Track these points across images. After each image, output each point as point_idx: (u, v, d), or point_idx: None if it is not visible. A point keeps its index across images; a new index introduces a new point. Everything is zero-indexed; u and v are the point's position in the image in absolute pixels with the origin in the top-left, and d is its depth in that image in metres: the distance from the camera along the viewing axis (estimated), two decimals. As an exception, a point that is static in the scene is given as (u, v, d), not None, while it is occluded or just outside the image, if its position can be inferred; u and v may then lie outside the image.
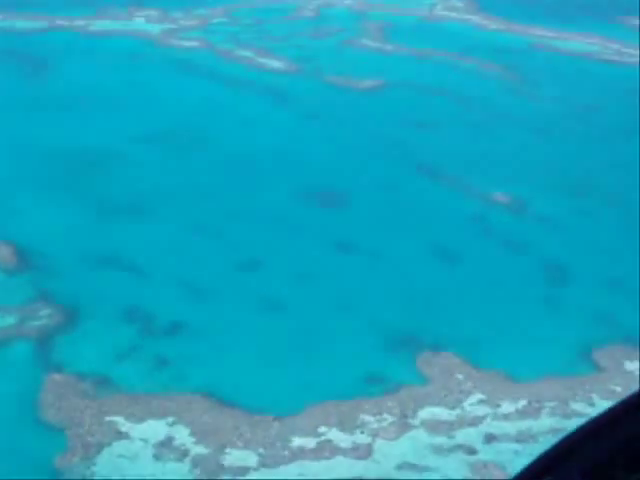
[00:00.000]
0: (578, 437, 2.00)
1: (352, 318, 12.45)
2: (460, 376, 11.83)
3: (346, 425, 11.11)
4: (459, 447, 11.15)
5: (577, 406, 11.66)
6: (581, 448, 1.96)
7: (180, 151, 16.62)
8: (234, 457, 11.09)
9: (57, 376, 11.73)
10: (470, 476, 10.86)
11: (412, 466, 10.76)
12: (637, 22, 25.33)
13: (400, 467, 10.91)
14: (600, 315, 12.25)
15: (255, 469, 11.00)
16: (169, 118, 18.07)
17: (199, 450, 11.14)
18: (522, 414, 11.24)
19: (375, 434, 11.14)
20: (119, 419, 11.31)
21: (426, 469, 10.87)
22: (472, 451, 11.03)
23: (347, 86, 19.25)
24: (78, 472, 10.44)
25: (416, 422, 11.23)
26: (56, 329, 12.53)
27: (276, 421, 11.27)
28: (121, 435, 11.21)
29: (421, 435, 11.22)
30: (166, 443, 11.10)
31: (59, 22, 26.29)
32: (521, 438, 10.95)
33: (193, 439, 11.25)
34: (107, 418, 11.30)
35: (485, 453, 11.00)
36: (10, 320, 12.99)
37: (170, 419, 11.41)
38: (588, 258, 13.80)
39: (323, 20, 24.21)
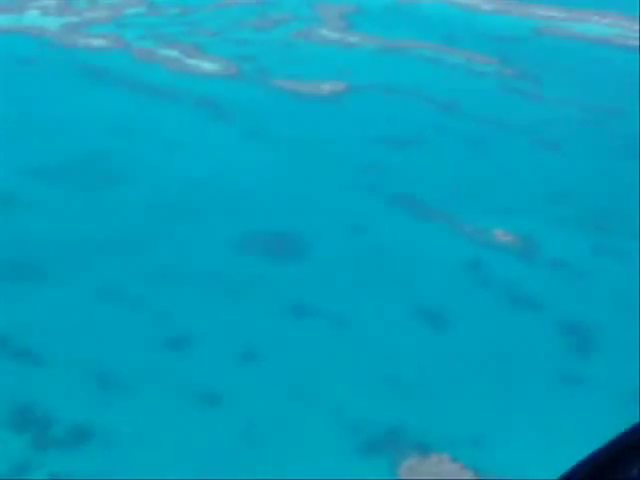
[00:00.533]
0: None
1: (312, 410, 11.88)
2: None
3: None
4: None
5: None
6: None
7: (87, 189, 16.00)
8: None
9: None
10: None
11: None
12: None
13: None
14: (635, 395, 11.90)
15: None
16: (72, 145, 17.47)
17: None
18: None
19: None
20: None
21: None
22: None
23: (301, 92, 18.88)
24: None
25: None
26: None
27: None
28: None
29: None
30: None
31: None
32: None
33: None
34: None
35: None
36: None
37: None
38: (616, 315, 13.43)
39: (269, 5, 23.86)
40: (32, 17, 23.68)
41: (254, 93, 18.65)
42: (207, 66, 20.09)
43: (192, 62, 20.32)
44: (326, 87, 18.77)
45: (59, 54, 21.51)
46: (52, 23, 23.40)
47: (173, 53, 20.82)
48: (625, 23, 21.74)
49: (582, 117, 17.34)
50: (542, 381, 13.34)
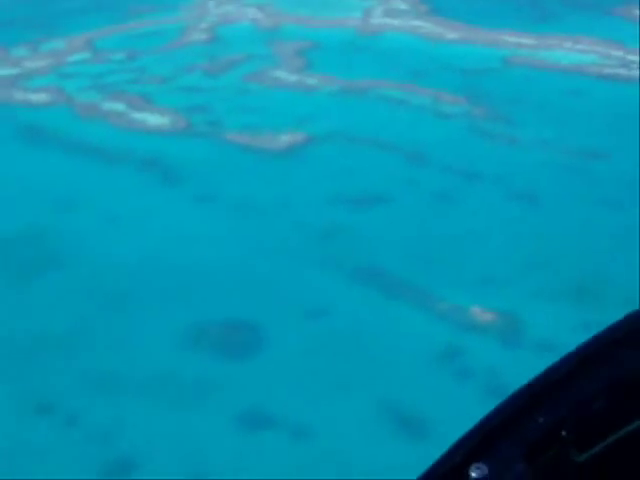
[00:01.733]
0: (515, 409, 1.85)
1: None
2: None
3: None
4: None
5: None
6: (519, 423, 1.82)
7: (12, 276, 14.37)
8: None
9: None
10: None
11: None
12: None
13: None
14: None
15: None
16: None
17: None
18: None
19: None
20: None
21: None
22: None
23: (256, 147, 17.29)
24: None
25: None
26: None
27: None
28: None
29: None
30: None
31: None
32: None
33: None
34: None
35: None
36: None
37: None
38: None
39: (221, 45, 22.25)
40: (-33, 69, 22.02)
41: (205, 150, 17.07)
42: (154, 120, 18.49)
43: (138, 116, 18.70)
44: (284, 139, 17.20)
45: (-8, 112, 19.86)
46: (-11, 75, 21.74)
47: (118, 106, 19.20)
48: (599, 48, 20.24)
49: (560, 162, 15.83)
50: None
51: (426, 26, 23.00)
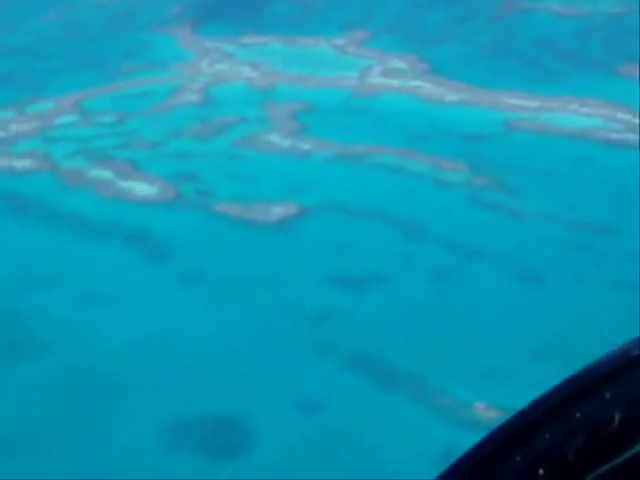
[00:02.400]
0: (491, 446, 1.76)
1: None
2: None
3: None
4: None
5: None
6: (496, 460, 1.75)
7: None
8: None
9: None
10: None
11: None
12: None
13: None
14: None
15: None
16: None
17: None
18: None
19: None
20: None
21: None
22: None
23: (247, 219, 16.63)
24: None
25: None
26: None
27: None
28: None
29: None
30: None
31: None
32: None
33: None
34: None
35: None
36: None
37: None
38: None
39: (213, 107, 21.60)
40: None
41: (193, 223, 16.40)
42: (142, 189, 17.86)
43: (126, 185, 18.07)
44: (275, 211, 16.55)
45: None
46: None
47: (105, 174, 18.57)
48: (605, 111, 19.63)
49: (565, 238, 15.14)
50: None
51: (425, 87, 22.36)
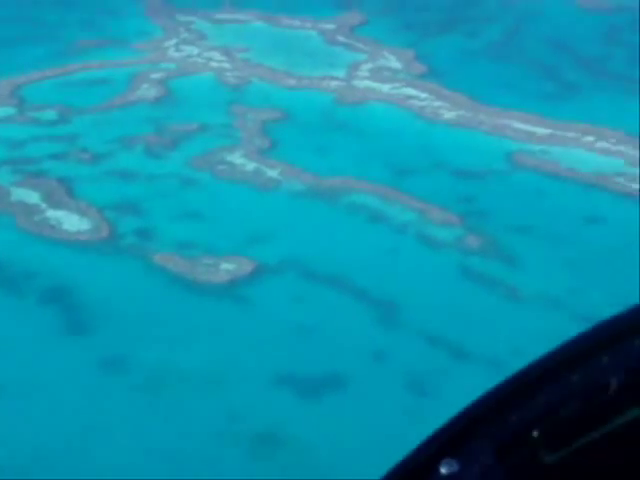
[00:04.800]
0: (486, 406, 1.95)
1: None
2: None
3: None
4: None
5: None
6: (491, 420, 1.92)
7: None
8: None
9: None
10: None
11: None
12: None
13: None
14: None
15: None
16: None
17: None
18: None
19: None
20: None
21: None
22: None
23: (190, 277, 14.13)
24: None
25: None
26: None
27: None
28: None
29: None
30: None
31: None
32: None
33: None
34: None
35: None
36: None
37: None
38: None
39: (172, 106, 18.77)
40: None
41: (127, 277, 13.95)
42: (72, 223, 15.38)
43: (53, 215, 15.53)
44: (225, 268, 14.11)
45: None
46: None
47: (32, 197, 15.98)
48: (625, 149, 17.11)
49: (571, 329, 12.52)
50: None
51: (420, 96, 19.51)
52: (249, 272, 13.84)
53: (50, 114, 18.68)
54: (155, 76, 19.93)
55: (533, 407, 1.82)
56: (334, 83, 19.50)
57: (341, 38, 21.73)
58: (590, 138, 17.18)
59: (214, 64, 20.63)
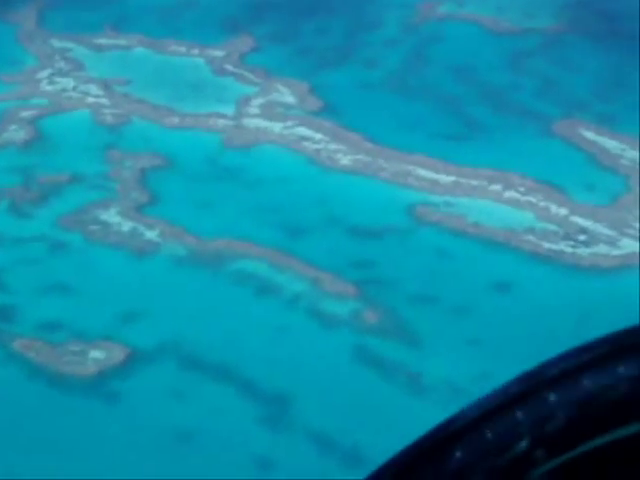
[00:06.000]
0: (467, 419, 1.81)
1: None
2: None
3: None
4: None
5: None
6: (473, 434, 1.78)
7: None
8: None
9: None
10: None
11: None
12: (591, 135, 18.80)
13: None
14: None
15: None
16: None
17: None
18: None
19: None
20: None
21: None
22: None
23: (53, 368, 12.75)
24: None
25: None
26: None
27: None
28: None
29: None
30: None
31: None
32: None
33: None
34: None
35: None
36: None
37: None
38: None
39: (43, 152, 16.90)
40: None
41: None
42: None
43: None
44: (94, 357, 12.83)
45: None
46: None
47: None
48: (536, 200, 16.25)
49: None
50: None
51: (314, 138, 18.19)
52: (120, 361, 12.47)
53: None
54: (25, 114, 18.24)
55: (516, 421, 1.67)
56: (221, 122, 18.08)
57: (230, 67, 20.29)
58: (497, 186, 16.08)
59: (91, 99, 19.02)
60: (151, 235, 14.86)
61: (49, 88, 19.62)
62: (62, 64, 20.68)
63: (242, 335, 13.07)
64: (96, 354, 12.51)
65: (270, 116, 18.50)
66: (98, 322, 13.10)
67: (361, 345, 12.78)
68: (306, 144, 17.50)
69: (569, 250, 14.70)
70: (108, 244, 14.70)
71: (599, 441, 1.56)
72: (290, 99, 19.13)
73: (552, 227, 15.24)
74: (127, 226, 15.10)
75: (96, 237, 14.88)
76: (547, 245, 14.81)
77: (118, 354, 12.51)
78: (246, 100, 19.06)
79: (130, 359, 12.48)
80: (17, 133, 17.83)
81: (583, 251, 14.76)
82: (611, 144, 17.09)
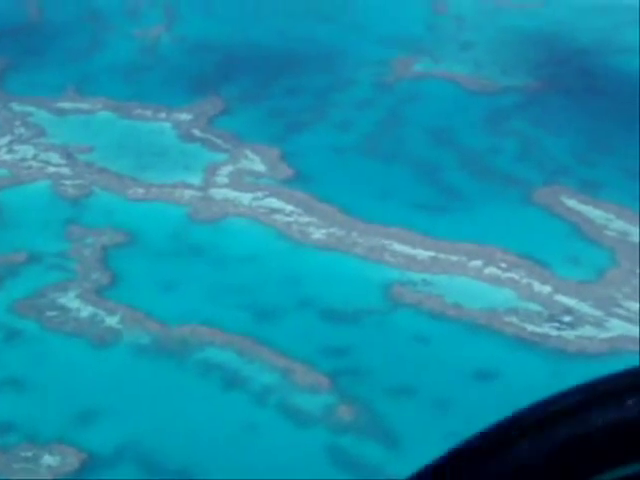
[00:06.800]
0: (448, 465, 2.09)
1: None
2: None
3: None
4: None
5: None
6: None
7: None
8: None
9: None
10: None
11: None
12: (574, 203, 18.14)
13: None
14: None
15: None
16: None
17: None
18: None
19: None
20: None
21: None
22: None
23: None
24: None
25: None
26: None
27: None
28: None
29: None
30: None
31: None
32: None
33: None
34: None
35: None
36: None
37: None
38: None
39: (0, 228, 16.57)
40: None
41: None
42: None
43: None
44: (47, 463, 11.99)
45: None
46: None
47: None
48: (518, 276, 15.61)
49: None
50: None
51: (285, 210, 17.36)
52: (75, 468, 11.64)
53: None
54: None
55: (499, 466, 1.94)
56: (188, 193, 17.28)
57: (197, 132, 19.51)
58: (477, 262, 15.37)
59: (51, 169, 18.23)
60: (111, 321, 14.07)
61: (7, 157, 18.83)
62: (22, 130, 19.93)
63: (206, 435, 12.33)
64: (49, 459, 11.72)
65: (239, 186, 17.74)
66: (53, 421, 12.31)
67: (335, 445, 12.08)
68: (277, 217, 16.78)
69: (554, 333, 14.08)
70: (65, 332, 13.95)
71: None
72: (260, 167, 18.37)
73: (535, 307, 14.58)
74: (86, 311, 14.32)
75: (53, 324, 14.09)
76: (531, 328, 14.14)
77: (72, 459, 11.72)
78: (214, 168, 18.30)
79: (85, 465, 11.70)
80: (-26, 208, 17.09)
81: (569, 334, 14.12)
82: (595, 213, 16.37)
